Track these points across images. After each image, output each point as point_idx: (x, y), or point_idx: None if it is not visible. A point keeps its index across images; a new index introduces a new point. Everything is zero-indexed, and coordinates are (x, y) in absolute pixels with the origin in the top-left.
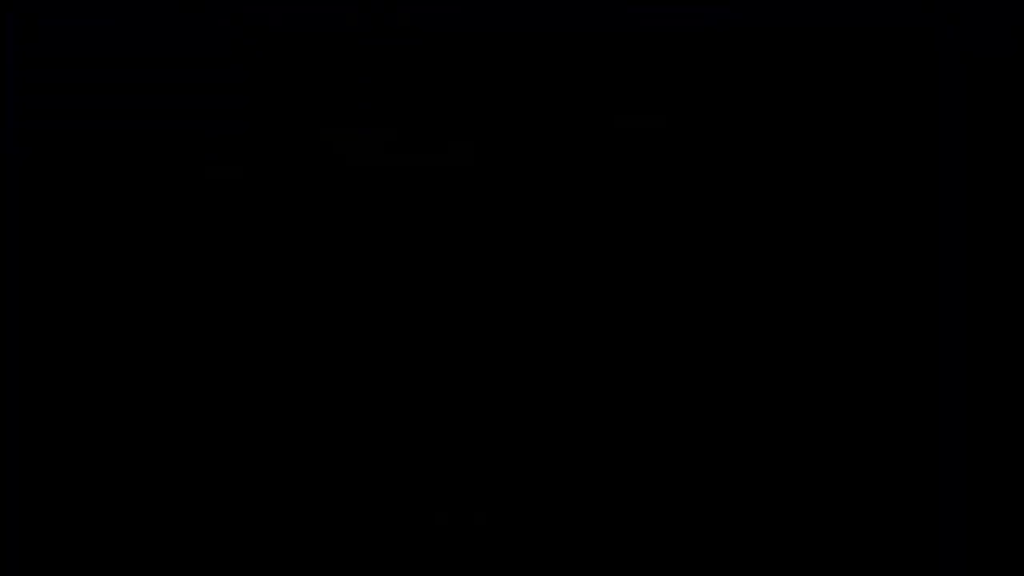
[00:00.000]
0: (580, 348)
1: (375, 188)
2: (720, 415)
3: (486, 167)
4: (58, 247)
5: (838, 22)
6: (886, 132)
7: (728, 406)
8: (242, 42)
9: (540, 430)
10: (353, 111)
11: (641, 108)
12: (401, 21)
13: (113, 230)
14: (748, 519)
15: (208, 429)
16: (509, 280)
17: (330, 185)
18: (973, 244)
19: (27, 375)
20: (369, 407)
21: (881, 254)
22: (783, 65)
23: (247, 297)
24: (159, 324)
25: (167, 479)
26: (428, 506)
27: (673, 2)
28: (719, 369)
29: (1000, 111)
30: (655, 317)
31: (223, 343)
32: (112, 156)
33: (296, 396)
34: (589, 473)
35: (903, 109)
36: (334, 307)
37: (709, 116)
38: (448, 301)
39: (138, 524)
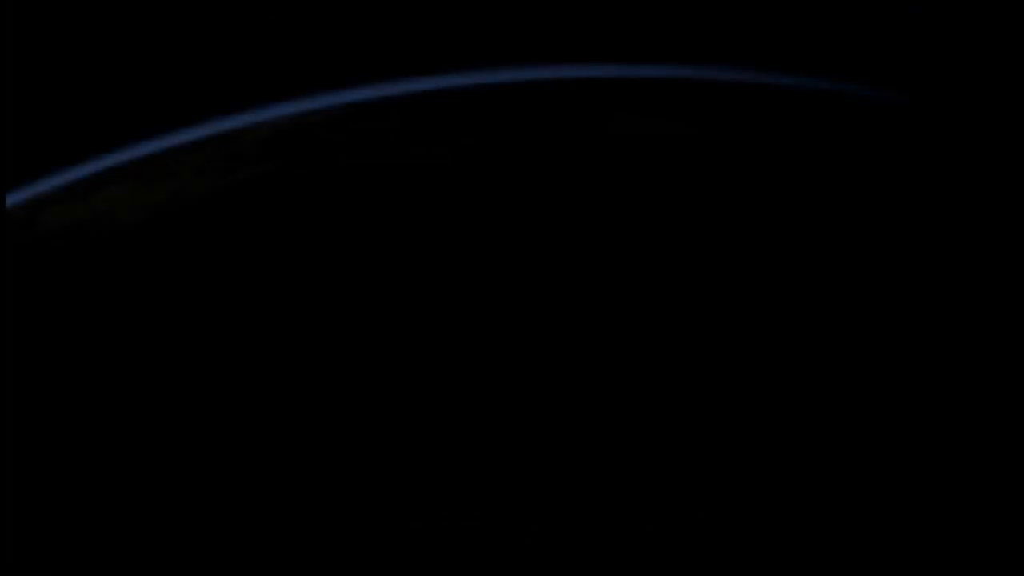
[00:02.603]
0: (579, 348)
1: (374, 187)
2: (720, 415)
3: (485, 167)
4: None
5: None
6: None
7: (728, 407)
8: None
9: (539, 430)
10: (352, 110)
11: (641, 108)
12: None
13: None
14: (749, 519)
15: (203, 429)
16: (507, 280)
17: (330, 185)
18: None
19: (25, 374)
20: (368, 406)
21: (882, 253)
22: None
23: (245, 296)
24: (158, 323)
25: (165, 479)
26: (428, 506)
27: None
28: (717, 369)
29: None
30: (656, 317)
31: (220, 342)
32: None
33: (294, 395)
34: (589, 473)
35: None
36: (332, 306)
37: (709, 117)
38: (446, 301)
39: (134, 524)
